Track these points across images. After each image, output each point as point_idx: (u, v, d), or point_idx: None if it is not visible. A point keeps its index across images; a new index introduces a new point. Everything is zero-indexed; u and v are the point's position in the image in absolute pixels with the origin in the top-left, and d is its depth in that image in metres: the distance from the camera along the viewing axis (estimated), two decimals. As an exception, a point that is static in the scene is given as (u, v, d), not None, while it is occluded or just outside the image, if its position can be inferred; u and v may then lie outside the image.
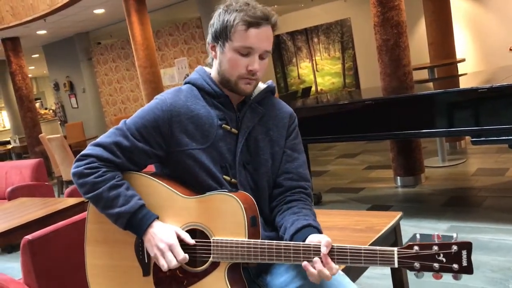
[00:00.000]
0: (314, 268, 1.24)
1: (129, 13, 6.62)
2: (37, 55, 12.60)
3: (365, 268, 1.91)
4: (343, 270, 1.54)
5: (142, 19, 6.64)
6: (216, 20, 1.43)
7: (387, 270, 2.19)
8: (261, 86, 1.55)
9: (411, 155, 4.73)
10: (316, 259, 1.24)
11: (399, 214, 1.97)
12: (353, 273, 1.69)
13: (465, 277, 2.97)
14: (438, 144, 5.39)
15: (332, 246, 1.25)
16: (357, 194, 4.81)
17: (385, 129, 3.81)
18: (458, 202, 4.13)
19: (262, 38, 1.39)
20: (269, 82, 1.58)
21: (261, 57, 1.42)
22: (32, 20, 7.77)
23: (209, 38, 1.47)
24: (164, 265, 1.34)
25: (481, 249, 3.09)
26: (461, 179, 4.79)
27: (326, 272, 1.23)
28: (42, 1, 7.36)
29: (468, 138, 3.95)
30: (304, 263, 1.26)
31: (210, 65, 1.53)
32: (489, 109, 3.31)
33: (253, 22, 1.37)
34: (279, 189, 1.51)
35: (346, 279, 1.39)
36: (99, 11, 8.23)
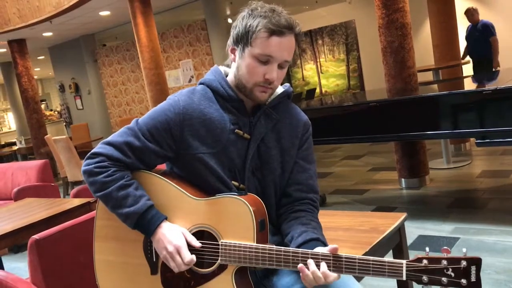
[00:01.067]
0: (309, 269, 1.25)
1: (134, 15, 6.65)
2: (42, 57, 12.67)
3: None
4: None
5: (148, 21, 6.67)
6: (239, 23, 1.39)
7: (391, 271, 2.19)
8: (278, 90, 1.52)
9: (415, 157, 4.73)
10: (310, 261, 1.25)
11: (403, 215, 1.97)
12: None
13: (469, 278, 2.93)
14: (443, 146, 5.39)
15: (341, 255, 1.25)
16: (361, 195, 4.81)
17: (389, 131, 3.81)
18: (462, 204, 4.13)
19: (283, 47, 1.36)
20: (287, 85, 1.56)
21: (280, 66, 1.39)
22: (38, 22, 7.82)
23: (230, 40, 1.44)
24: (175, 267, 1.35)
25: (485, 251, 3.09)
26: (465, 181, 4.78)
27: (319, 274, 1.23)
28: (48, 3, 7.41)
29: (473, 140, 3.96)
30: (300, 265, 1.26)
31: (228, 66, 1.51)
32: (494, 111, 3.31)
33: (276, 31, 1.34)
34: (287, 198, 1.51)
35: (351, 279, 1.39)
36: (105, 13, 8.27)
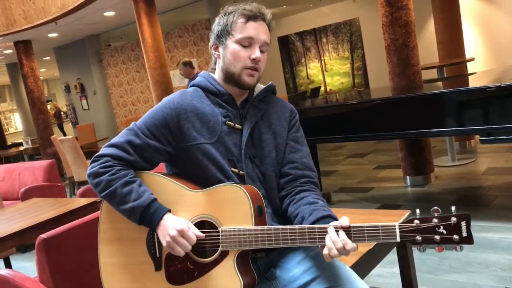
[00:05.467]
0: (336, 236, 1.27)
1: (138, 15, 6.67)
2: (48, 58, 12.73)
3: (374, 265, 1.92)
4: (352, 267, 1.56)
5: (152, 21, 6.70)
6: (216, 25, 1.55)
7: (396, 269, 2.20)
8: (262, 86, 1.62)
9: (420, 154, 4.73)
10: (330, 228, 1.29)
11: (407, 212, 1.98)
12: (363, 270, 1.71)
13: (474, 275, 2.98)
14: (448, 143, 5.38)
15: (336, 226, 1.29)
16: (366, 193, 4.82)
17: (394, 129, 3.81)
18: (468, 202, 4.13)
19: (260, 30, 1.50)
20: (269, 83, 1.66)
21: (261, 50, 1.51)
22: (44, 23, 7.86)
23: (211, 42, 1.57)
24: (180, 251, 1.38)
25: (490, 248, 3.09)
26: (470, 178, 4.77)
27: (337, 237, 1.26)
28: (53, 4, 7.45)
29: (477, 137, 3.94)
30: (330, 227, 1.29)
31: (214, 70, 1.61)
32: (498, 108, 3.30)
33: (251, 16, 1.49)
34: (286, 178, 1.55)
35: (357, 279, 1.41)
36: (109, 13, 8.30)
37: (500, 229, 3.37)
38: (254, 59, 1.48)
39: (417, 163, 4.75)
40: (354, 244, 1.27)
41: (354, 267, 1.57)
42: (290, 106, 1.66)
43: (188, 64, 6.06)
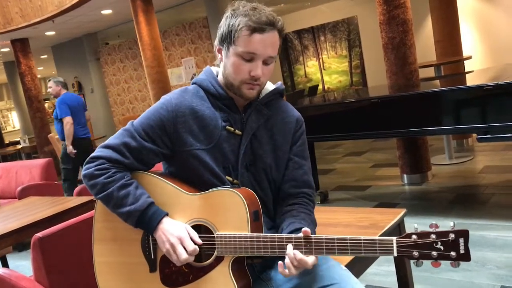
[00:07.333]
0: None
1: (136, 14, 6.66)
2: (45, 56, 12.70)
3: (369, 263, 1.92)
4: (348, 265, 1.56)
5: (149, 19, 6.69)
6: (223, 23, 1.44)
7: (392, 267, 2.21)
8: (270, 87, 1.55)
9: (417, 152, 4.74)
10: (289, 245, 1.29)
11: (403, 211, 1.98)
12: (358, 268, 1.71)
13: (470, 274, 2.98)
14: (445, 142, 5.38)
15: (333, 237, 1.28)
16: (363, 192, 4.82)
17: (391, 127, 3.82)
18: (464, 200, 4.13)
19: (266, 43, 1.39)
20: (279, 83, 1.58)
21: (265, 63, 1.42)
22: (41, 21, 7.84)
23: (216, 41, 1.48)
24: (177, 260, 1.36)
25: (487, 246, 3.09)
26: (468, 176, 4.78)
27: (296, 256, 1.27)
28: (50, 2, 7.43)
29: (475, 135, 3.95)
30: (279, 262, 1.30)
31: (218, 66, 1.54)
32: (495, 106, 3.31)
33: (257, 28, 1.37)
34: (283, 195, 1.54)
35: (352, 277, 1.40)
36: (107, 11, 8.29)
37: (497, 227, 3.37)
38: (253, 76, 1.40)
39: (414, 161, 4.75)
40: (313, 257, 1.27)
41: (349, 265, 1.57)
42: (296, 115, 1.58)
43: (61, 84, 5.63)
